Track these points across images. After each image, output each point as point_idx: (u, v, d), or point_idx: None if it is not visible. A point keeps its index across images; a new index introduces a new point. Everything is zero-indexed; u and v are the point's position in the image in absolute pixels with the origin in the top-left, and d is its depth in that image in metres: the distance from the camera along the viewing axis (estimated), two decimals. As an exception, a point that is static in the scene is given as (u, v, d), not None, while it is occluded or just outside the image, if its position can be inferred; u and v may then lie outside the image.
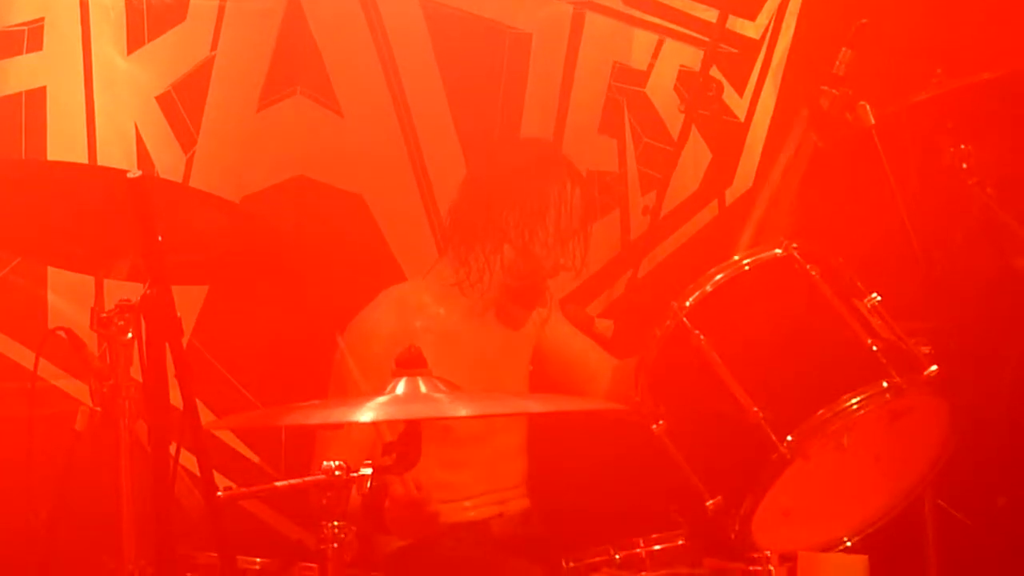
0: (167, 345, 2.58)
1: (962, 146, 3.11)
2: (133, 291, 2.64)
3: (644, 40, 4.36)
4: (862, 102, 3.25)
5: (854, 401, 2.96)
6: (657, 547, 3.14)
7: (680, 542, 3.15)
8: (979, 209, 3.08)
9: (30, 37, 3.89)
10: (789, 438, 2.95)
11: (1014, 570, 3.43)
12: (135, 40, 3.97)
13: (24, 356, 3.82)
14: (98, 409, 2.66)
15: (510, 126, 4.27)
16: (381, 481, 2.77)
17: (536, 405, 3.32)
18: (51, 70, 3.91)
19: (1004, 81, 3.26)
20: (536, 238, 3.56)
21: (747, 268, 3.12)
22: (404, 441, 2.78)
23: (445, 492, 3.39)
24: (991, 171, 3.11)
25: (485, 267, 3.57)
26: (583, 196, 3.64)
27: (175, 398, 2.58)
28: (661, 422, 3.11)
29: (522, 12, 4.27)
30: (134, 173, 2.66)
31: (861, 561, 3.04)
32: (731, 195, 4.44)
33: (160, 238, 2.59)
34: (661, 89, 4.38)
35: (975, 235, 3.22)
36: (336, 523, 2.65)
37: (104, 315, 2.67)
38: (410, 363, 2.81)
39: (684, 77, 4.37)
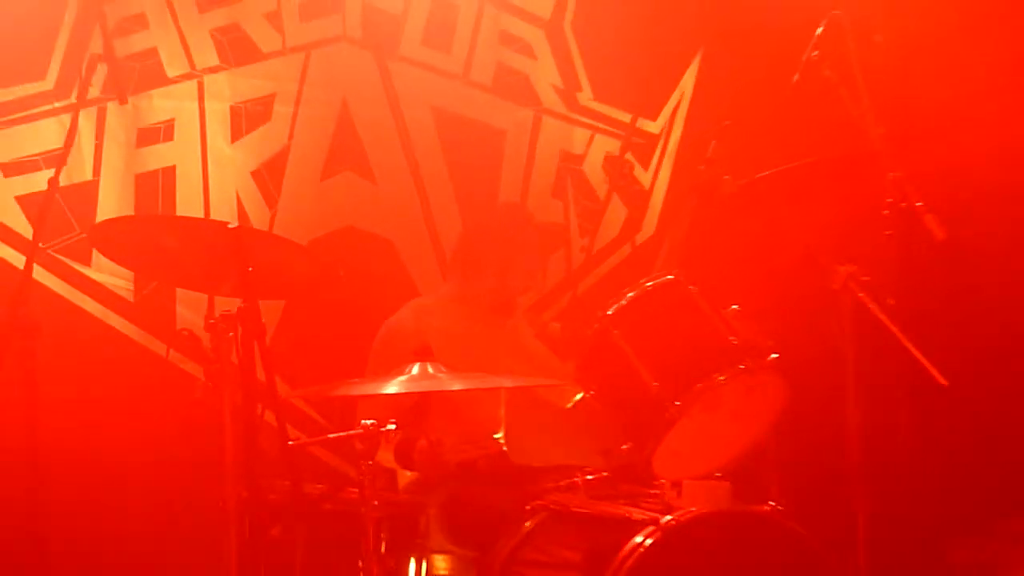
0: (255, 342, 2.60)
1: (791, 206, 3.13)
2: (233, 304, 2.64)
3: (581, 135, 4.37)
4: (726, 176, 3.26)
5: (721, 378, 2.97)
6: (589, 477, 3.13)
7: (605, 474, 3.14)
8: (804, 250, 3.10)
9: (164, 131, 3.89)
10: (677, 403, 2.96)
11: (828, 484, 3.41)
12: (236, 133, 3.97)
13: (160, 348, 3.84)
14: (209, 384, 2.65)
15: (491, 193, 4.27)
16: (408, 435, 2.77)
17: (506, 381, 3.31)
18: (178, 154, 3.91)
19: (822, 163, 3.30)
20: (509, 269, 3.57)
21: (649, 288, 3.12)
22: (418, 406, 2.79)
23: (449, 441, 3.36)
24: (811, 222, 3.12)
25: (475, 288, 3.58)
26: (540, 240, 3.67)
27: (261, 376, 2.60)
28: (592, 392, 3.12)
29: (499, 115, 4.27)
30: (233, 224, 2.68)
31: (726, 486, 3.03)
32: (640, 239, 4.43)
33: (251, 268, 2.62)
34: (593, 167, 4.38)
35: (804, 268, 3.22)
36: (370, 462, 2.66)
37: (213, 321, 2.65)
38: (422, 354, 2.83)
39: (608, 159, 4.37)
